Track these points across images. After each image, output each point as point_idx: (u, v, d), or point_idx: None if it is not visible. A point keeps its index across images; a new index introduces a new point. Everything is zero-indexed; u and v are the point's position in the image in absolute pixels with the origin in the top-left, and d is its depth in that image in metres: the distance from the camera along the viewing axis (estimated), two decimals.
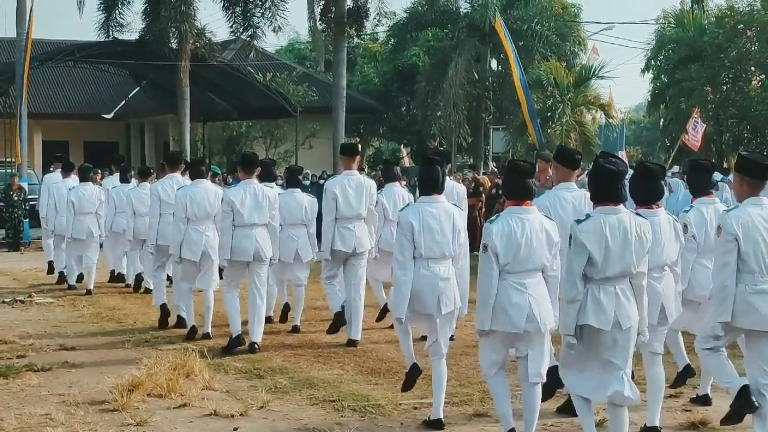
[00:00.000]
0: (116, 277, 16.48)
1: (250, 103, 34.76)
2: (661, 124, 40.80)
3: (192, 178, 11.79)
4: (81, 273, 15.97)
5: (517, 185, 6.86)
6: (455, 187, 12.91)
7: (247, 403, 8.23)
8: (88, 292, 15.13)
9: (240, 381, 9.22)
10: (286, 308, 12.44)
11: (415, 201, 10.75)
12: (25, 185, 24.13)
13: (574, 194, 7.92)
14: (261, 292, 10.72)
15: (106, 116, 39.29)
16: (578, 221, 6.28)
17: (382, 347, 10.77)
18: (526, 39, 36.22)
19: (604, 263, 6.16)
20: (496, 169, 27.29)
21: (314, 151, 35.73)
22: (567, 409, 7.59)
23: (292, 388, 8.86)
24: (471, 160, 37.34)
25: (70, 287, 15.73)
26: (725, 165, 30.62)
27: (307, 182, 24.07)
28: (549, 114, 33.14)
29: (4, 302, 14.31)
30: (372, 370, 9.66)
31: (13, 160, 27.03)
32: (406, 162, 42.38)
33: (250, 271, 10.67)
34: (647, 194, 7.08)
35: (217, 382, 8.98)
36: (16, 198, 22.99)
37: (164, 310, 12.23)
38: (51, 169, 18.75)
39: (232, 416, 7.85)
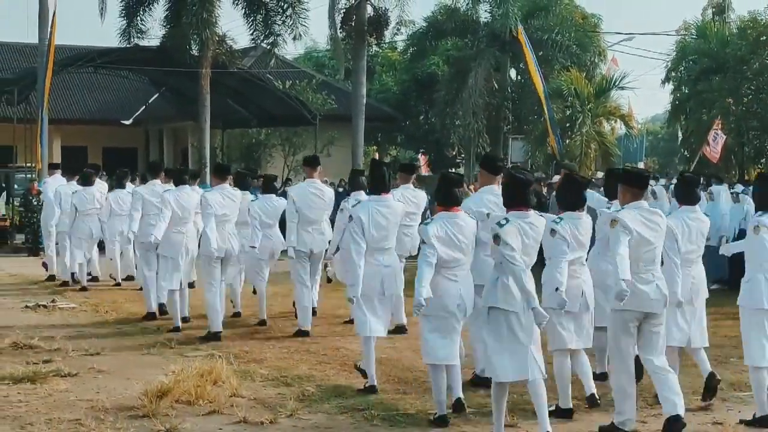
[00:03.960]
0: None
1: (270, 110, 34.71)
2: (680, 135, 40.66)
3: (175, 184, 13.32)
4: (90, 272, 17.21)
5: (448, 193, 7.98)
6: (413, 194, 12.44)
7: (276, 410, 8.19)
8: (83, 289, 16.31)
9: (267, 388, 9.18)
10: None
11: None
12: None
13: (495, 197, 8.61)
14: (223, 286, 12.31)
15: (125, 122, 39.33)
16: (499, 224, 7.17)
17: (408, 356, 10.69)
18: (546, 49, 36.11)
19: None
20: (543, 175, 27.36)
21: (332, 158, 35.55)
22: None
23: (320, 397, 8.83)
24: None
25: (71, 284, 16.69)
26: (746, 177, 30.48)
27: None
28: (568, 124, 33.03)
29: (27, 307, 14.34)
30: (399, 379, 9.60)
31: (34, 165, 27.06)
32: (424, 170, 42.31)
33: (222, 266, 12.09)
34: (572, 202, 8.19)
35: (245, 389, 8.95)
36: (35, 203, 22.98)
37: (152, 315, 13.36)
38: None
39: (262, 423, 7.82)
